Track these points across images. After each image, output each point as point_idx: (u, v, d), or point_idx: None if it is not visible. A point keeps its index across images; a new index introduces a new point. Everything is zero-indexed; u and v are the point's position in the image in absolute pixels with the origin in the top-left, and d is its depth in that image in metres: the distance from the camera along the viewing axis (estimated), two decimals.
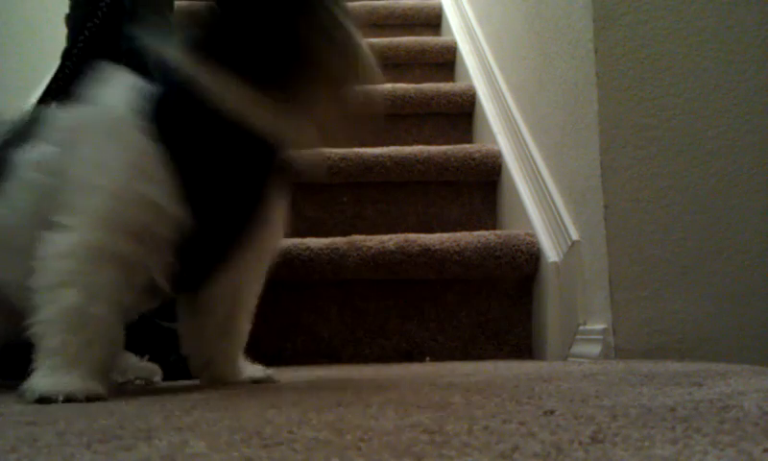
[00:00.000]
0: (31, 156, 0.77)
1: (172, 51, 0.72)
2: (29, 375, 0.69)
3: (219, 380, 0.89)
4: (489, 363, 1.21)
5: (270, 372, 0.93)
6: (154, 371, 0.95)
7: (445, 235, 1.39)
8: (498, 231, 1.42)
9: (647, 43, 1.11)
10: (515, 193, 1.52)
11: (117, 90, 0.74)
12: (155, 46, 0.73)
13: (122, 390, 0.87)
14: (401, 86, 1.99)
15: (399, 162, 1.64)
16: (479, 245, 1.35)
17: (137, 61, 1.04)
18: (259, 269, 0.87)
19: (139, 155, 0.70)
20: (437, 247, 1.35)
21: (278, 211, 0.82)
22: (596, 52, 1.11)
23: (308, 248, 1.35)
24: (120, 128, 0.72)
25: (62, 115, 0.77)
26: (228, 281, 0.82)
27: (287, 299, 1.36)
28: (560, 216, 1.29)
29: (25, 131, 0.79)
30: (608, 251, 1.07)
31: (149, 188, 0.69)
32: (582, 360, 1.11)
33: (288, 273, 1.32)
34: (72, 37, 1.13)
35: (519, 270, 1.35)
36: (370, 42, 2.19)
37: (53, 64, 1.25)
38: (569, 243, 1.22)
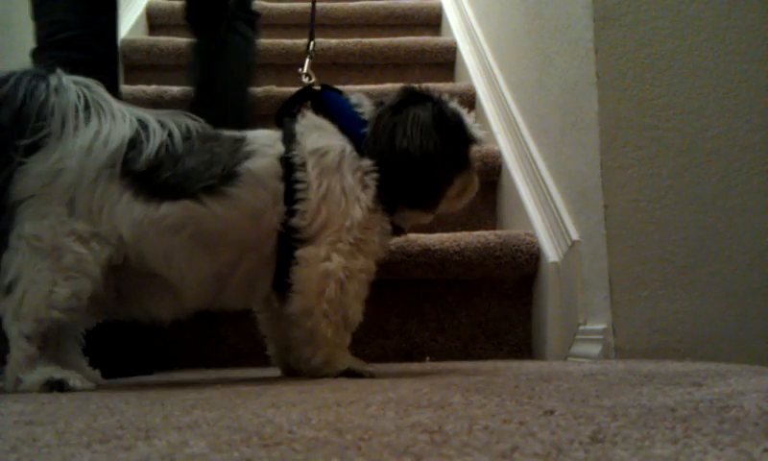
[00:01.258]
0: (264, 167, 0.91)
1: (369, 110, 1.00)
2: None
3: (294, 369, 1.01)
4: (489, 363, 1.21)
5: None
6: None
7: (445, 235, 1.39)
8: (498, 231, 1.42)
9: (647, 43, 1.11)
10: (515, 193, 1.52)
11: (336, 136, 0.97)
12: (354, 101, 1.02)
13: (121, 390, 0.87)
14: None
15: None
16: (479, 245, 1.35)
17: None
18: None
19: (371, 191, 0.94)
20: (437, 247, 1.35)
21: None
22: (596, 52, 1.11)
23: None
24: (358, 169, 0.94)
25: (306, 146, 0.94)
26: None
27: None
28: (560, 216, 1.29)
29: (236, 148, 0.92)
30: (608, 251, 1.07)
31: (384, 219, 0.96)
32: (582, 360, 1.11)
33: None
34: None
35: (519, 270, 1.35)
36: (370, 42, 2.17)
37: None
38: (569, 243, 1.22)
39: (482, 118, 1.88)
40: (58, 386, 0.81)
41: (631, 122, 1.09)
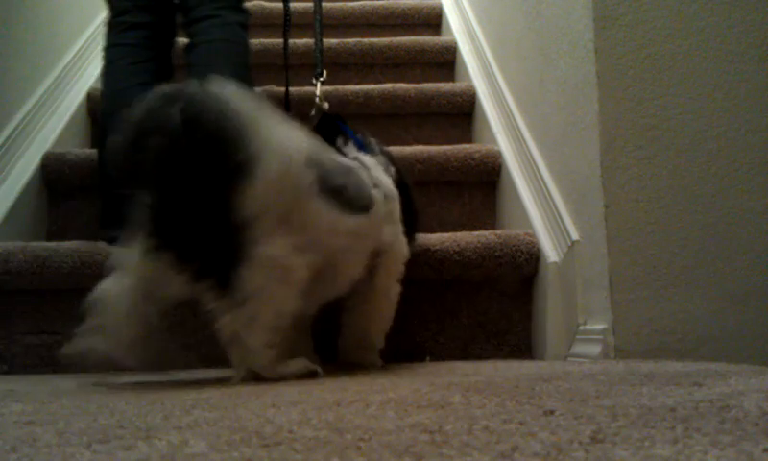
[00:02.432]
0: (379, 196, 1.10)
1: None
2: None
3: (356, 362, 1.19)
4: (489, 363, 1.21)
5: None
6: None
7: (445, 235, 1.39)
8: (498, 231, 1.42)
9: (647, 43, 1.11)
10: (515, 193, 1.52)
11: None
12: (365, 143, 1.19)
13: (121, 390, 0.87)
14: (401, 86, 1.98)
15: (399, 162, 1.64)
16: (479, 245, 1.35)
17: None
18: None
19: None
20: (437, 247, 1.35)
21: None
22: (596, 52, 1.11)
23: None
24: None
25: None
26: None
27: None
28: (560, 216, 1.29)
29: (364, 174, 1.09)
30: (608, 251, 1.07)
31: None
32: (582, 360, 1.11)
33: None
34: None
35: (519, 270, 1.35)
36: (370, 42, 2.19)
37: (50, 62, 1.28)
38: (569, 243, 1.22)
39: (482, 118, 1.88)
40: (313, 375, 0.95)
41: (631, 122, 1.09)
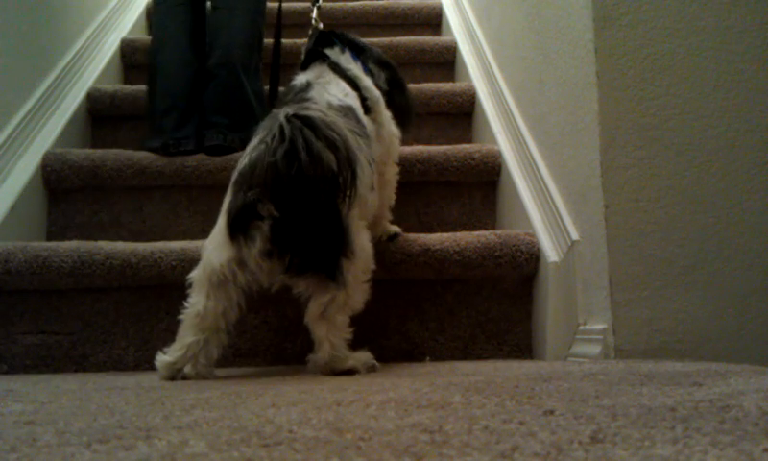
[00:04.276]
0: None
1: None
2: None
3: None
4: (489, 363, 1.21)
5: None
6: None
7: (445, 235, 1.39)
8: (498, 231, 1.42)
9: (647, 43, 1.11)
10: (515, 193, 1.52)
11: None
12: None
13: (121, 389, 0.86)
14: None
15: (399, 162, 1.64)
16: (479, 245, 1.35)
17: None
18: None
19: None
20: (437, 247, 1.35)
21: None
22: (596, 52, 1.11)
23: None
24: None
25: None
26: None
27: (287, 299, 1.35)
28: (560, 216, 1.29)
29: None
30: (608, 251, 1.07)
31: None
32: (582, 360, 1.11)
33: None
34: None
35: (519, 270, 1.35)
36: (370, 42, 2.19)
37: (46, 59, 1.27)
38: (569, 243, 1.22)
39: (482, 118, 1.88)
40: (373, 369, 1.07)
41: (631, 122, 1.09)
